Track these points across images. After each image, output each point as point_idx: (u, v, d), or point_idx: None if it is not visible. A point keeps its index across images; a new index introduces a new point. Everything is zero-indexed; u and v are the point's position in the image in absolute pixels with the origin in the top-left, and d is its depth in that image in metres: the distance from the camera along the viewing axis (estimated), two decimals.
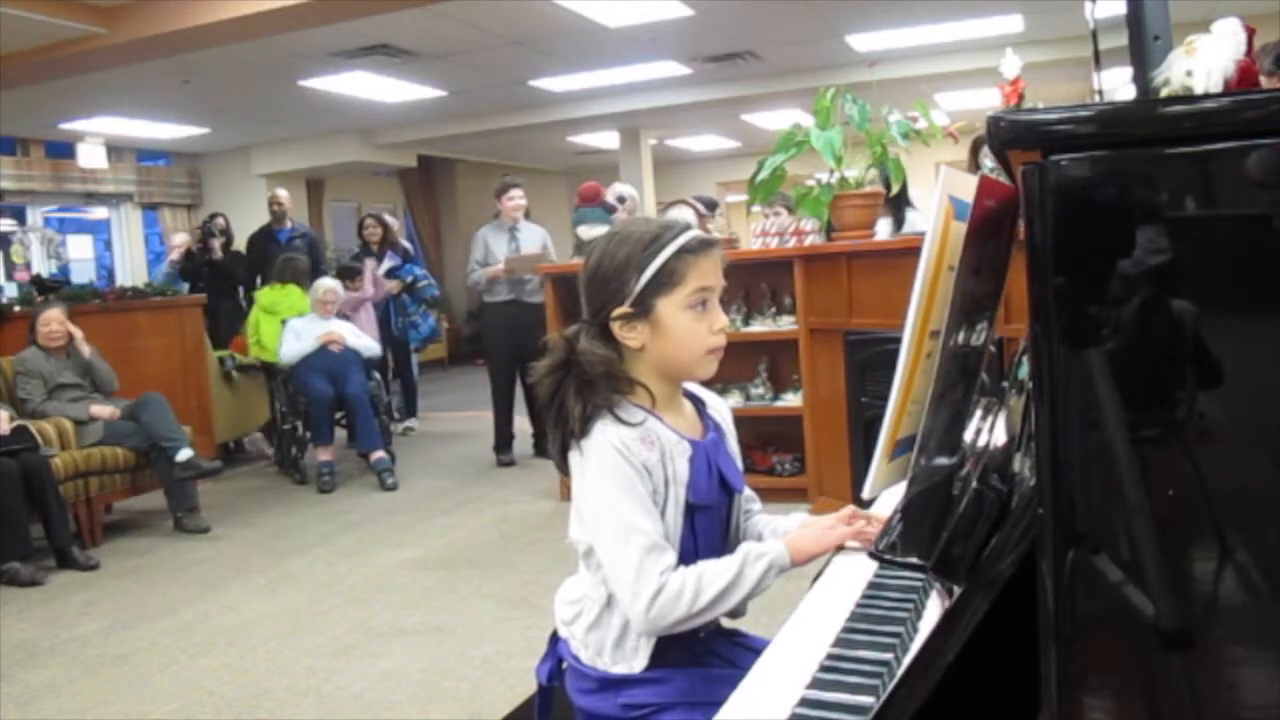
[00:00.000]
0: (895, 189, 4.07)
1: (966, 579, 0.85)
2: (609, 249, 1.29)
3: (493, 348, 5.68)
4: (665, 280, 1.25)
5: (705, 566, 1.22)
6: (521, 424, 5.76)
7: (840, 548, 1.35)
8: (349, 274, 6.51)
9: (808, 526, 1.36)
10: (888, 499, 1.37)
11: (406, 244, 7.43)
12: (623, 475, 1.21)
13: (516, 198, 5.63)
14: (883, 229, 4.17)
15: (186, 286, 6.83)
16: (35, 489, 4.03)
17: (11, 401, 4.50)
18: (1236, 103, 0.65)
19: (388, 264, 6.78)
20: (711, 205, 6.00)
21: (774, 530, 1.41)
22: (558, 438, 1.29)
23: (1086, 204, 0.64)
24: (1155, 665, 0.65)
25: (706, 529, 1.30)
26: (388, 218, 7.29)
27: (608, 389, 1.26)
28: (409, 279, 6.81)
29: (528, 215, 5.88)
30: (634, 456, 1.22)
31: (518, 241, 5.58)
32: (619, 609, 1.27)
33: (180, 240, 7.49)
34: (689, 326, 1.26)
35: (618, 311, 1.27)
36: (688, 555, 1.26)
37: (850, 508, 1.37)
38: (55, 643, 3.22)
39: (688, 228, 1.30)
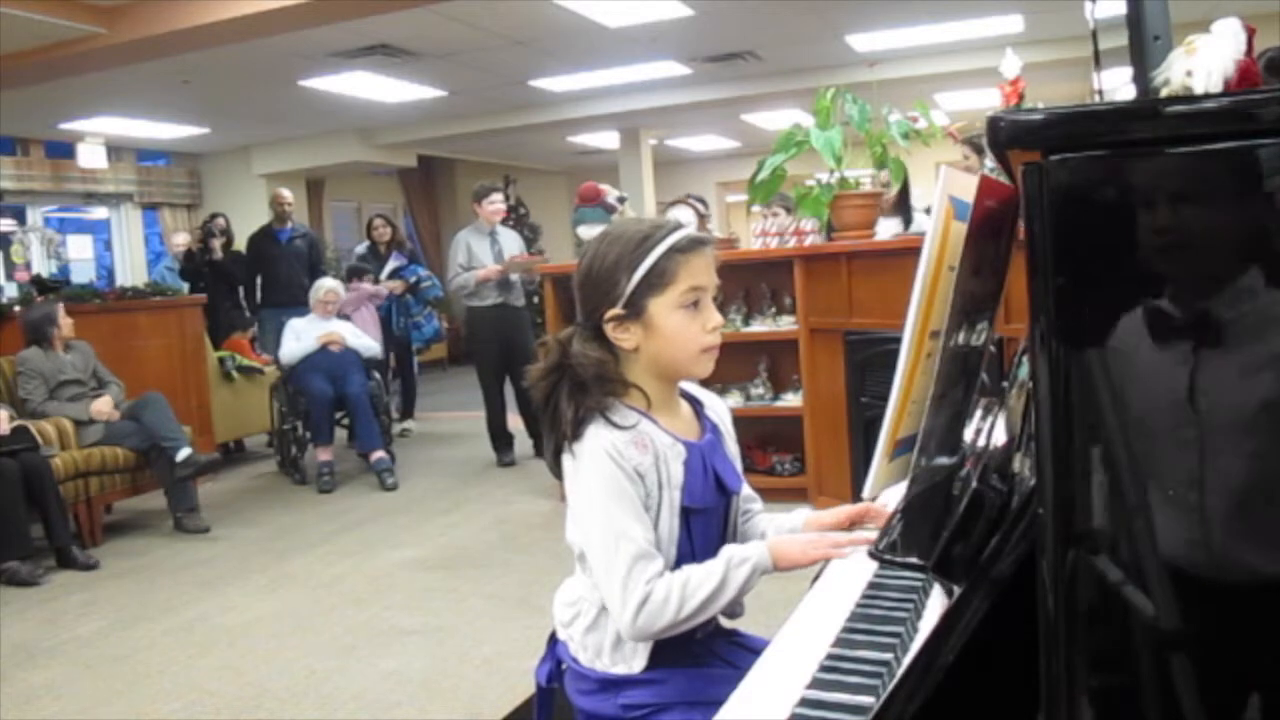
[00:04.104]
0: (896, 187, 4.08)
1: (966, 579, 0.85)
2: (600, 250, 1.29)
3: (481, 352, 5.65)
4: (656, 280, 1.25)
5: (690, 572, 1.21)
6: (515, 423, 5.76)
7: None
8: (356, 275, 6.51)
9: (808, 523, 1.36)
10: (888, 499, 1.37)
11: (412, 245, 7.44)
12: (613, 480, 1.21)
13: (497, 202, 5.64)
14: (890, 228, 4.17)
15: (187, 286, 6.84)
16: (35, 489, 4.02)
17: (12, 401, 4.50)
18: (1236, 103, 0.65)
19: (393, 264, 6.78)
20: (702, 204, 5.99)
21: (777, 528, 1.40)
22: (551, 441, 1.29)
23: (1086, 204, 0.64)
24: (1155, 665, 0.65)
25: (703, 531, 1.30)
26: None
27: (601, 391, 1.26)
28: (413, 279, 6.81)
29: (527, 216, 5.91)
30: (625, 461, 1.22)
31: (500, 245, 5.58)
32: (609, 613, 1.27)
33: (181, 240, 7.50)
34: (682, 326, 1.26)
35: (610, 313, 1.26)
36: (684, 558, 1.26)
37: (851, 507, 1.36)
38: (55, 643, 3.22)
39: (678, 227, 1.29)
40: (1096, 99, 1.27)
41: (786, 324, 4.32)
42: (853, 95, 4.23)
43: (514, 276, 5.53)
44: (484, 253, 5.54)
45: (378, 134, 9.47)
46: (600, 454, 1.22)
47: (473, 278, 5.47)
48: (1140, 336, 0.63)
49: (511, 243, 5.68)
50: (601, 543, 1.21)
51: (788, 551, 1.26)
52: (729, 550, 1.25)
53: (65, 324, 4.66)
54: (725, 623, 1.39)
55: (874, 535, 1.26)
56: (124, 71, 6.05)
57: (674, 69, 7.69)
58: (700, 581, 1.20)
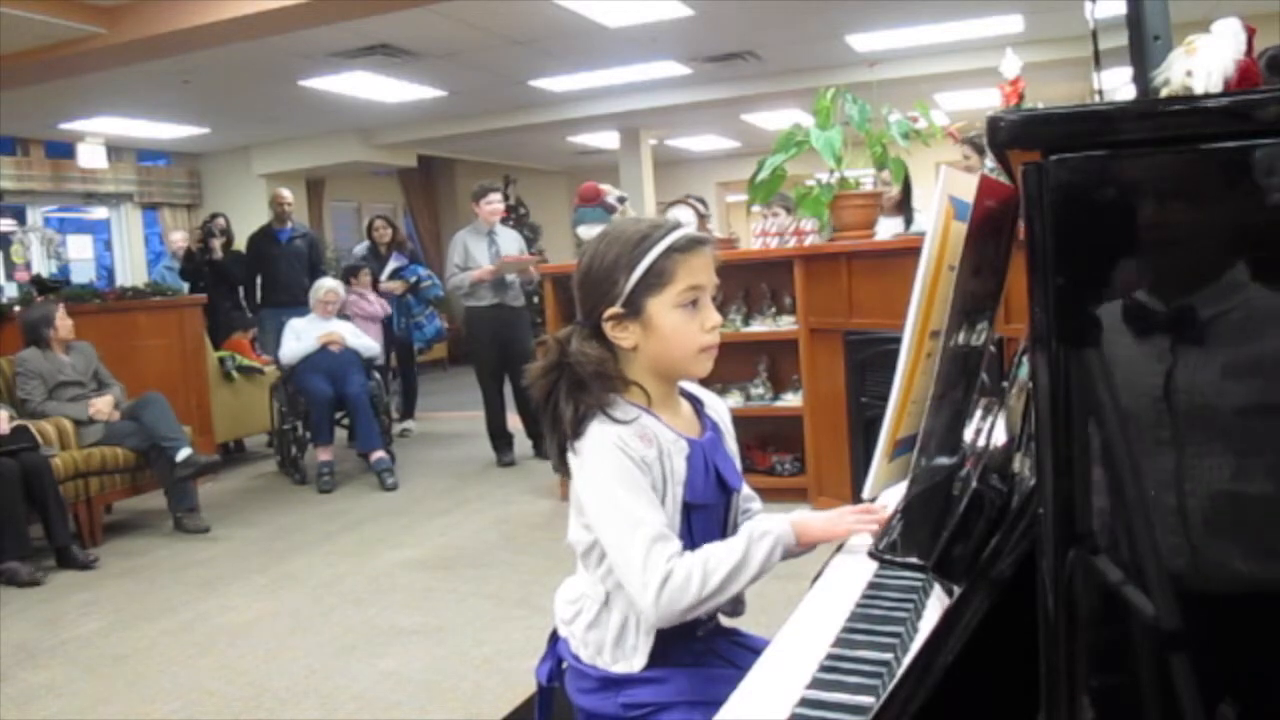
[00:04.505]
0: (897, 188, 4.08)
1: (966, 579, 0.85)
2: (599, 249, 1.29)
3: (479, 352, 5.65)
4: (654, 280, 1.25)
5: (711, 549, 1.21)
6: (515, 423, 5.76)
7: (840, 545, 1.34)
8: (352, 273, 6.51)
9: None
10: (888, 499, 1.37)
11: (412, 245, 7.44)
12: (623, 469, 1.21)
13: (495, 202, 5.64)
14: (890, 228, 4.17)
15: (187, 286, 6.84)
16: (35, 489, 4.02)
17: (11, 401, 4.50)
18: (1236, 103, 0.65)
19: (394, 264, 6.78)
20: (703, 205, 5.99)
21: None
22: (554, 440, 1.29)
23: (1086, 204, 0.64)
24: (1155, 665, 0.65)
25: (704, 528, 1.30)
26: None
27: (600, 389, 1.26)
28: (413, 279, 6.81)
29: (527, 216, 5.91)
30: (633, 452, 1.22)
31: (497, 245, 5.58)
32: (618, 607, 1.27)
33: (178, 238, 7.50)
34: (680, 325, 1.26)
35: (609, 312, 1.27)
36: None
37: (852, 507, 1.36)
38: (55, 643, 3.22)
39: (677, 226, 1.30)
40: (1096, 99, 1.27)
41: (786, 324, 4.31)
42: (853, 95, 4.23)
43: (510, 277, 5.52)
44: (480, 253, 5.54)
45: (378, 134, 9.47)
46: (608, 446, 1.22)
47: (467, 278, 5.48)
48: (1141, 336, 0.63)
49: (510, 242, 5.68)
50: (617, 530, 1.20)
51: (811, 526, 1.26)
52: (750, 525, 1.25)
53: (63, 326, 4.65)
54: (726, 621, 1.39)
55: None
56: (124, 71, 6.05)
57: (674, 69, 7.69)
58: (722, 558, 1.19)
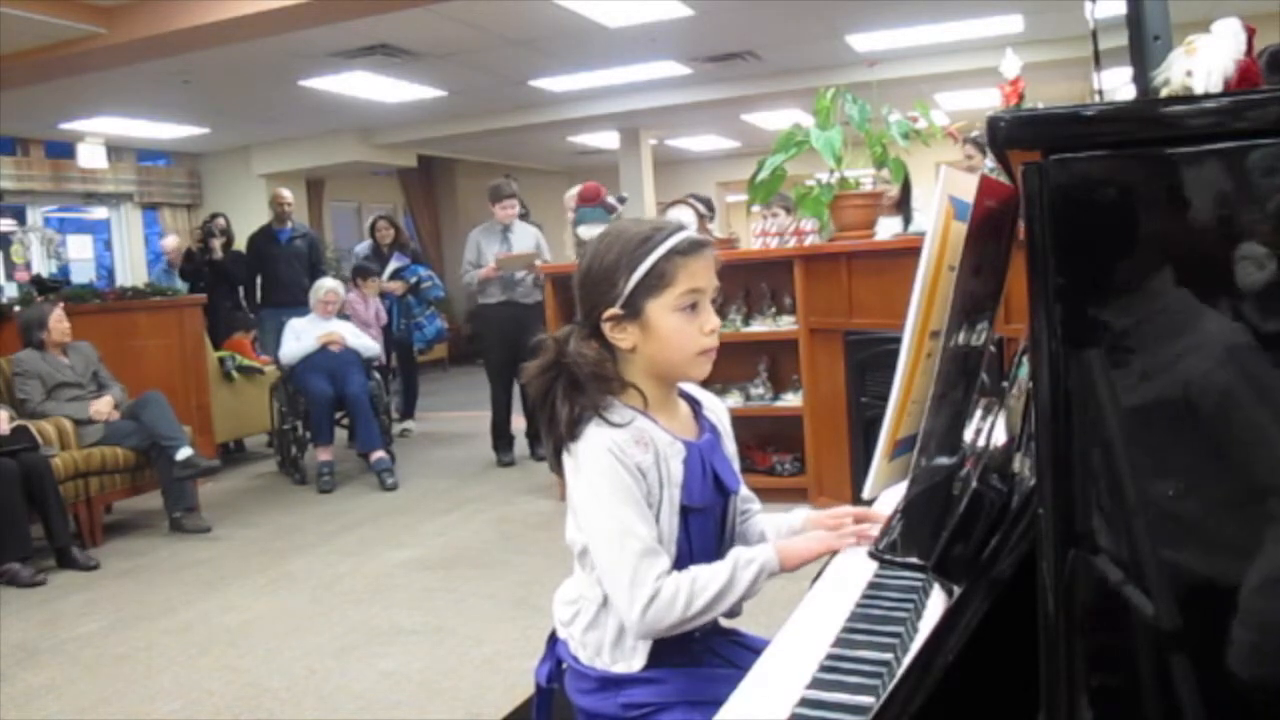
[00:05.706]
0: (896, 187, 4.08)
1: (966, 579, 0.85)
2: (600, 250, 1.29)
3: (489, 349, 5.69)
4: (655, 282, 1.25)
5: (698, 572, 1.22)
6: (519, 424, 5.76)
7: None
8: (361, 274, 6.51)
9: (808, 522, 1.37)
10: (888, 499, 1.37)
11: (415, 246, 7.44)
12: (616, 478, 1.21)
13: (509, 206, 5.65)
14: (890, 228, 4.17)
15: (186, 286, 6.84)
16: (35, 489, 4.02)
17: (11, 402, 4.50)
18: (1236, 103, 0.65)
19: (395, 264, 6.78)
20: (709, 205, 5.98)
21: (776, 528, 1.41)
22: (551, 440, 1.29)
23: (1086, 204, 0.64)
24: (1155, 665, 0.65)
25: (701, 531, 1.30)
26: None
27: (597, 390, 1.26)
28: (413, 280, 6.80)
29: (526, 215, 5.91)
30: (628, 459, 1.22)
31: (509, 243, 5.59)
32: (615, 609, 1.27)
33: (170, 243, 7.49)
34: (679, 328, 1.26)
35: (608, 313, 1.26)
36: (682, 558, 1.26)
37: (851, 508, 1.37)
38: (55, 643, 3.22)
39: (679, 228, 1.29)
40: (1096, 99, 1.27)
41: (786, 324, 4.31)
42: (853, 95, 4.23)
43: (519, 274, 5.53)
44: (492, 251, 5.56)
45: (378, 134, 9.47)
46: (603, 451, 1.22)
47: (475, 275, 5.51)
48: (1140, 336, 0.63)
49: (524, 240, 5.67)
50: (607, 539, 1.21)
51: (794, 549, 1.28)
52: (736, 551, 1.26)
53: (57, 328, 4.63)
54: (724, 622, 1.39)
55: (876, 529, 1.26)
56: (124, 71, 6.05)
57: (674, 69, 7.69)
58: (708, 580, 1.21)
